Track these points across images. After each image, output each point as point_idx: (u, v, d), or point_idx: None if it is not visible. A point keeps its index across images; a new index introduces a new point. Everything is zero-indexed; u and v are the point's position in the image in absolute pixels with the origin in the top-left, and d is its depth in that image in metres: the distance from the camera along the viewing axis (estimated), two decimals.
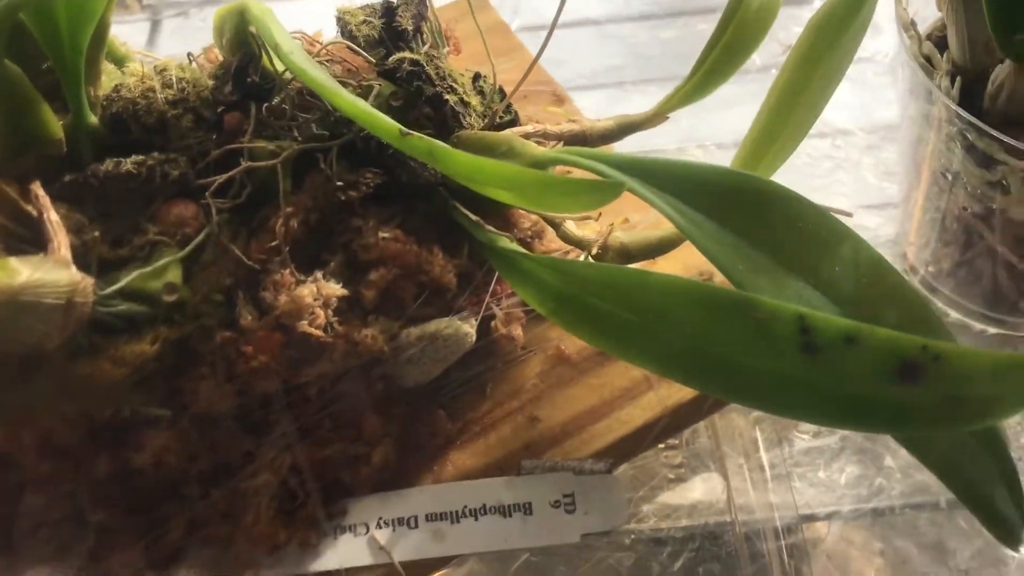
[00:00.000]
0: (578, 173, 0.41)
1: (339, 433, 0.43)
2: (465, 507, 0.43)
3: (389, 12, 0.45)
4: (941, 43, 0.46)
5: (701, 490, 0.48)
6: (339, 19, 0.45)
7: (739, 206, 0.39)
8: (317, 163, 0.43)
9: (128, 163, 0.39)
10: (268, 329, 0.41)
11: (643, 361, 0.39)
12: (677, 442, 0.50)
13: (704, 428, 0.50)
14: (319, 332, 0.41)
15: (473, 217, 0.44)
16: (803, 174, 0.59)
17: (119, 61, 0.43)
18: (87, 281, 0.36)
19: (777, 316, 0.33)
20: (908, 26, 0.44)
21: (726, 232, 0.39)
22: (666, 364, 0.38)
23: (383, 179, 0.44)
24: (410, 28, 0.45)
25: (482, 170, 0.35)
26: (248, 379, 0.41)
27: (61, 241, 0.37)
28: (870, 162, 0.59)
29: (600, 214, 0.44)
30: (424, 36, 0.46)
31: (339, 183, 0.43)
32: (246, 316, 0.41)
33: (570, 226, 0.45)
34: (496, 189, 0.36)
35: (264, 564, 0.42)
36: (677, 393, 0.46)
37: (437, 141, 0.35)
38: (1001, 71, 0.42)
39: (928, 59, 0.45)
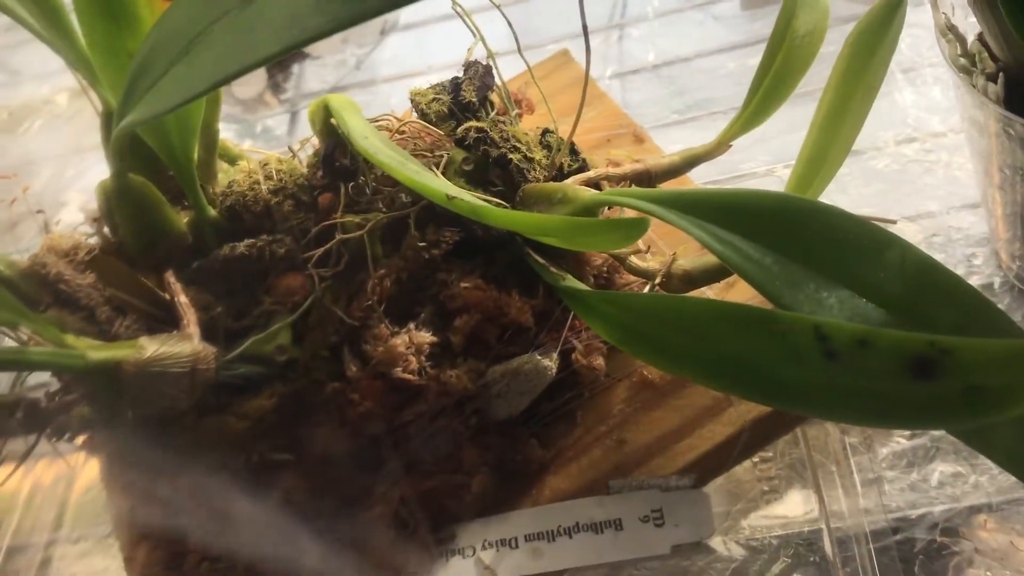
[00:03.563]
0: (629, 212, 0.45)
1: (441, 465, 0.48)
2: (560, 526, 0.47)
3: (455, 88, 0.51)
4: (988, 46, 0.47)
5: (796, 499, 0.49)
6: (412, 100, 0.51)
7: (776, 225, 0.41)
8: (405, 229, 0.49)
9: (242, 246, 0.47)
10: (371, 378, 0.47)
11: (697, 376, 0.42)
12: (771, 455, 0.51)
13: (796, 439, 0.51)
14: (412, 376, 0.46)
15: (541, 260, 0.48)
16: (893, 182, 0.60)
17: (232, 160, 0.51)
18: (208, 350, 0.43)
19: (794, 327, 0.36)
20: (945, 31, 0.45)
21: (764, 251, 0.41)
22: (714, 377, 0.41)
23: (461, 236, 0.49)
24: (475, 99, 0.50)
25: (515, 222, 0.40)
26: (357, 423, 0.47)
27: (190, 319, 0.44)
28: (961, 161, 0.59)
29: (649, 247, 0.47)
30: (491, 103, 0.51)
31: (423, 243, 0.48)
32: (351, 368, 0.47)
33: (634, 260, 0.48)
34: (539, 235, 0.41)
35: None
36: (756, 408, 0.48)
37: (479, 201, 0.40)
38: None
39: (972, 60, 0.46)
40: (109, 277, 0.44)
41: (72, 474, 0.63)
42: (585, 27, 0.44)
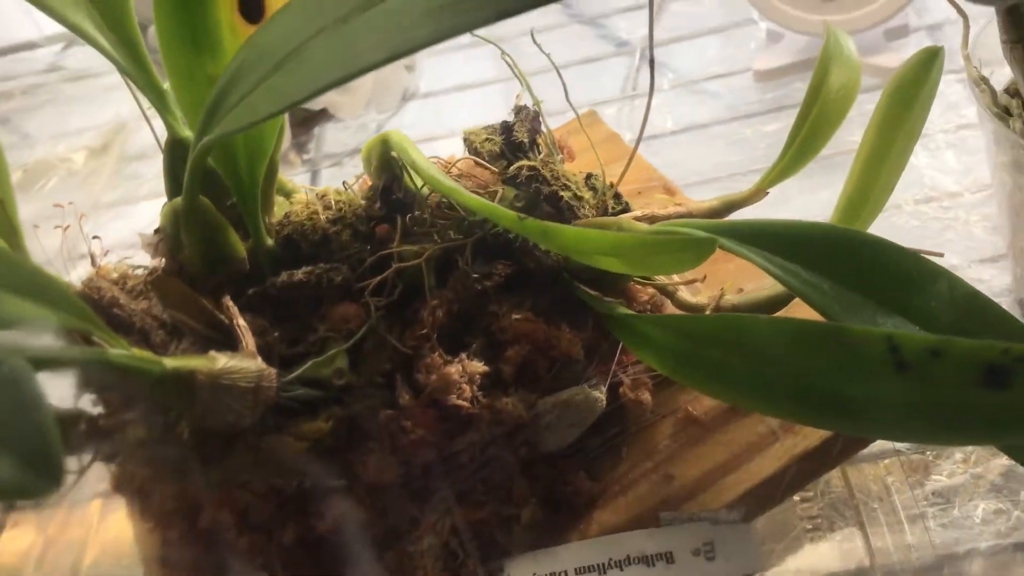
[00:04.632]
0: None
1: (491, 496, 0.48)
2: (610, 559, 0.47)
3: (507, 129, 0.52)
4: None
5: (839, 537, 0.50)
6: (465, 139, 0.53)
7: (834, 255, 0.43)
8: (456, 263, 0.50)
9: (299, 273, 0.47)
10: (423, 406, 0.47)
11: (755, 403, 0.43)
12: (812, 494, 0.52)
13: (837, 479, 0.52)
14: (466, 404, 0.46)
15: (593, 292, 0.49)
16: (914, 236, 0.62)
17: (287, 194, 0.52)
18: (271, 370, 0.43)
19: (866, 339, 0.37)
20: (978, 81, 0.48)
21: (822, 279, 0.42)
22: (775, 403, 0.42)
23: (512, 268, 0.50)
24: (526, 140, 0.52)
25: (589, 239, 0.41)
26: (409, 451, 0.47)
27: (249, 341, 0.44)
28: (977, 219, 0.61)
29: (705, 276, 0.48)
30: (539, 147, 0.53)
31: (475, 275, 0.49)
32: (404, 396, 0.47)
33: (684, 294, 0.50)
34: (604, 257, 0.42)
35: None
36: (803, 442, 0.49)
37: (549, 222, 0.41)
38: None
39: (1007, 109, 0.49)
40: (170, 297, 0.44)
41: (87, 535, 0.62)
42: (652, 71, 0.46)
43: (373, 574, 0.47)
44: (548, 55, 0.53)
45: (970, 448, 0.51)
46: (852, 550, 0.49)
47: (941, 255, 0.45)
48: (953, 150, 0.66)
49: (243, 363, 0.41)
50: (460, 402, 0.46)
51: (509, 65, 0.53)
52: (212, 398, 0.40)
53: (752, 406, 0.44)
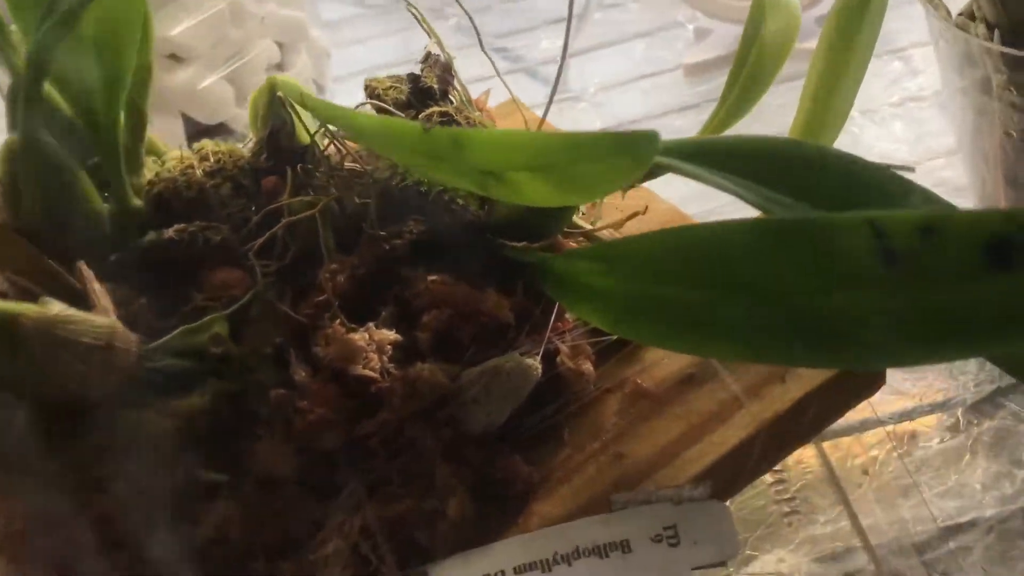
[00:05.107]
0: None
1: (409, 488, 0.40)
2: (556, 553, 0.39)
3: (414, 78, 0.46)
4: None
5: (822, 518, 0.42)
6: (367, 87, 0.46)
7: (792, 168, 0.37)
8: (361, 228, 0.43)
9: (170, 231, 0.40)
10: (323, 382, 0.39)
11: (722, 346, 0.36)
12: (785, 476, 0.45)
13: (812, 457, 0.45)
14: (374, 374, 0.39)
15: (520, 245, 0.42)
16: None
17: (160, 155, 0.45)
18: (130, 334, 0.35)
19: (844, 228, 0.31)
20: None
21: (781, 195, 0.37)
22: (746, 340, 0.35)
23: (426, 227, 0.43)
24: (436, 87, 0.46)
25: (507, 145, 0.34)
26: (307, 436, 0.39)
27: (104, 302, 0.36)
28: (935, 184, 0.57)
29: (647, 208, 0.42)
30: (451, 99, 0.47)
31: (382, 234, 0.42)
32: (300, 372, 0.40)
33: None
34: (525, 176, 0.35)
35: None
36: (771, 407, 0.42)
37: (458, 128, 0.35)
38: None
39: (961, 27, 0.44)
40: (7, 255, 0.37)
41: None
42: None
43: None
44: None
45: (959, 411, 0.45)
46: (839, 532, 0.41)
47: (912, 169, 0.39)
48: (901, 121, 0.62)
49: (88, 316, 0.34)
50: (367, 372, 0.39)
51: (416, 16, 0.48)
52: (47, 354, 0.32)
53: (717, 350, 0.37)
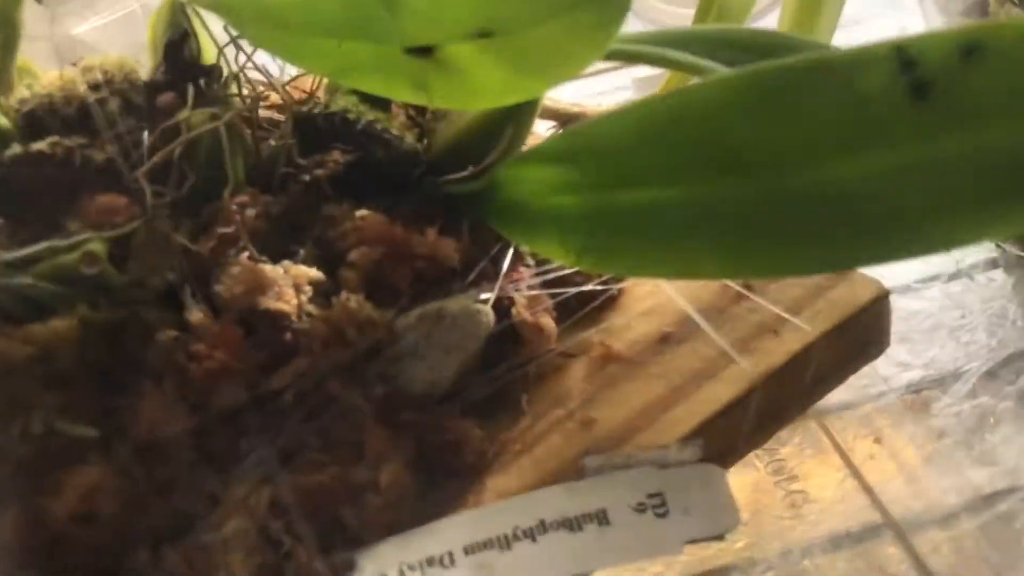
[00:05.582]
0: None
1: (333, 454, 0.32)
2: (516, 528, 0.31)
3: None
4: None
5: (831, 496, 0.35)
6: None
7: (761, 53, 0.32)
8: (276, 163, 0.37)
9: (42, 144, 0.33)
10: (227, 323, 0.32)
11: (711, 256, 0.30)
12: (787, 453, 0.38)
13: (817, 433, 0.38)
14: (288, 308, 0.32)
15: (467, 172, 0.36)
16: None
17: (36, 77, 0.38)
18: None
19: (864, 62, 0.25)
20: None
21: None
22: (740, 242, 0.29)
23: (354, 157, 0.37)
24: None
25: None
26: (204, 387, 0.31)
27: None
28: None
29: None
30: None
31: (301, 161, 0.36)
32: (196, 313, 0.32)
33: None
34: (475, 61, 0.29)
35: None
36: (765, 360, 0.36)
37: None
38: None
39: None
40: None
41: None
42: None
43: None
44: None
45: (973, 376, 0.39)
46: (852, 508, 0.34)
47: None
48: None
49: None
50: (279, 305, 0.32)
51: None
52: None
53: (699, 263, 0.30)
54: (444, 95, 0.32)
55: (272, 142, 0.38)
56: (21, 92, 0.36)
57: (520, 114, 0.34)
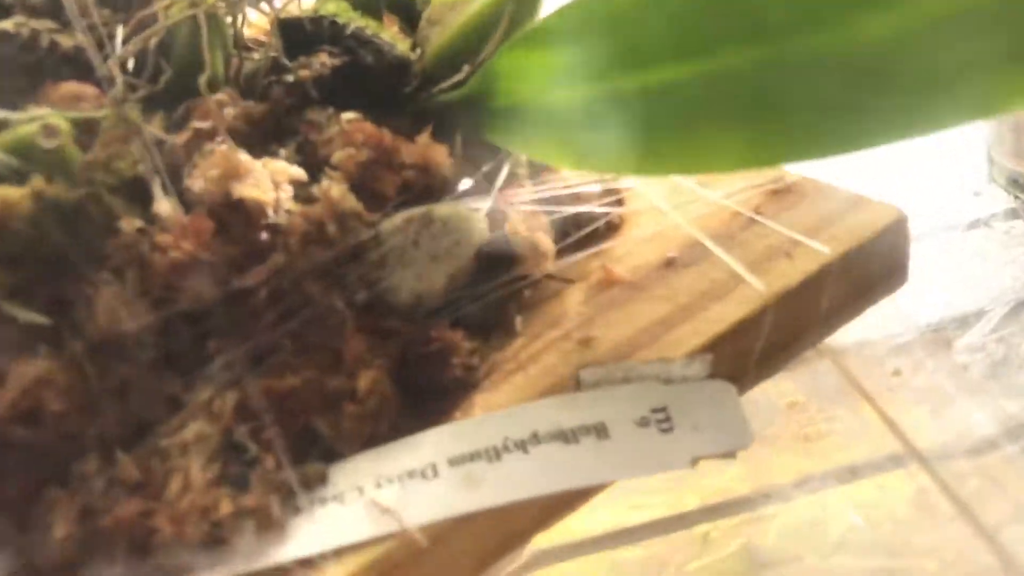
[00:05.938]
0: None
1: (307, 359, 0.29)
2: (507, 439, 0.28)
3: None
4: None
5: (841, 428, 0.33)
6: None
7: None
8: (258, 78, 0.35)
9: (7, 23, 0.31)
10: (196, 215, 0.29)
11: (728, 144, 0.28)
12: (801, 398, 0.35)
13: (832, 373, 0.36)
14: (264, 198, 0.29)
15: (456, 78, 0.34)
16: None
17: None
18: None
19: None
20: None
21: None
22: (761, 125, 0.27)
23: (343, 62, 0.34)
24: None
25: None
26: (168, 279, 0.28)
27: None
28: None
29: None
30: None
31: (285, 62, 0.34)
32: (164, 204, 0.30)
33: None
34: None
35: (201, 562, 0.26)
36: (778, 281, 0.33)
37: None
38: None
39: None
40: None
41: None
42: None
43: (94, 494, 0.27)
44: None
45: (995, 317, 0.36)
46: (874, 442, 0.32)
47: None
48: None
49: None
50: (256, 193, 0.29)
51: None
52: None
53: (722, 156, 0.28)
54: None
55: (256, 55, 0.36)
56: None
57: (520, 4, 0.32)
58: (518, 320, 0.33)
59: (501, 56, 0.31)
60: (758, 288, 0.33)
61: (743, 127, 0.27)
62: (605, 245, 0.35)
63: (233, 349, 0.29)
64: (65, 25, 0.32)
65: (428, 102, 0.35)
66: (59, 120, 0.28)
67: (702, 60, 0.27)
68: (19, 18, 0.31)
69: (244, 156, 0.30)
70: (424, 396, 0.30)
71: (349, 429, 0.29)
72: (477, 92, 0.33)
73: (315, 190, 0.30)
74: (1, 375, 0.27)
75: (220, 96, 0.32)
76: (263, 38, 0.38)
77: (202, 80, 0.31)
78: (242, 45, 0.35)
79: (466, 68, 0.33)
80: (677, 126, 0.28)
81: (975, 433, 0.31)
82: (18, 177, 0.27)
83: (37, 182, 0.27)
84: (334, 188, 0.29)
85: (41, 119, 0.28)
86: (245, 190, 0.29)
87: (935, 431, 0.32)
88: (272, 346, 0.29)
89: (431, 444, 0.28)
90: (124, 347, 0.28)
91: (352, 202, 0.30)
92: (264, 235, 0.30)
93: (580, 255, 0.36)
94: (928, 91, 0.24)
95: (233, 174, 0.29)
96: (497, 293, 0.33)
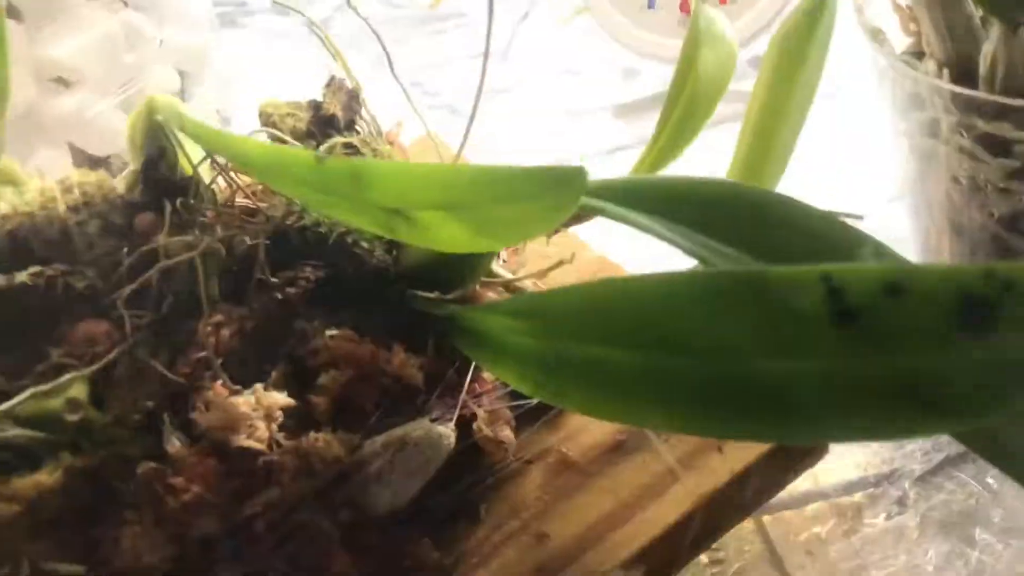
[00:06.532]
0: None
1: None
2: None
3: (316, 106, 0.42)
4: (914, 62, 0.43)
5: None
6: (262, 113, 0.41)
7: (732, 214, 0.34)
8: (250, 269, 0.38)
9: (24, 275, 0.34)
10: (201, 455, 0.34)
11: (653, 415, 0.32)
12: (723, 556, 0.41)
13: (753, 533, 0.41)
14: (260, 445, 0.34)
15: (432, 295, 0.38)
16: None
17: (19, 185, 0.39)
18: None
19: (796, 285, 0.27)
20: (876, 32, 0.41)
21: (719, 243, 0.33)
22: (682, 409, 0.31)
23: (326, 273, 0.38)
24: (339, 114, 0.41)
25: (413, 179, 0.30)
26: (181, 519, 0.33)
27: None
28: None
29: (573, 255, 0.38)
30: (358, 129, 0.43)
31: (274, 281, 0.37)
32: (173, 442, 0.34)
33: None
34: (435, 216, 0.31)
35: None
36: (709, 481, 0.38)
37: (358, 159, 0.30)
38: (989, 46, 0.37)
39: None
40: None
41: None
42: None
43: None
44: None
45: (907, 485, 0.41)
46: None
47: (861, 217, 0.36)
48: (834, 167, 0.60)
49: None
50: (251, 443, 0.34)
51: (320, 37, 0.43)
52: None
53: (649, 418, 0.33)
54: (411, 239, 0.34)
55: (247, 239, 0.39)
56: (6, 201, 0.37)
57: None
58: (483, 508, 0.38)
59: (465, 312, 0.35)
60: (690, 488, 0.38)
61: (668, 407, 0.31)
62: (562, 426, 0.40)
63: (237, 572, 0.34)
64: (75, 259, 0.36)
65: (402, 301, 0.39)
66: (79, 390, 0.32)
67: (633, 353, 0.31)
68: (35, 268, 0.34)
69: (239, 400, 0.34)
70: None
71: None
72: (449, 313, 0.37)
73: (304, 441, 0.34)
74: None
75: (217, 318, 0.36)
76: (249, 203, 0.41)
77: (200, 325, 0.34)
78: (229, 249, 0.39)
79: (436, 294, 0.37)
80: (612, 391, 0.32)
81: None
82: (46, 446, 0.32)
83: (66, 459, 0.31)
84: (320, 440, 0.34)
85: (65, 391, 0.32)
86: (242, 441, 0.33)
87: None
88: (269, 568, 0.34)
89: None
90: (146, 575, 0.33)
91: (336, 448, 0.34)
92: (261, 464, 0.34)
93: (540, 422, 0.41)
94: (809, 419, 0.29)
95: (230, 426, 0.34)
96: (464, 494, 0.38)
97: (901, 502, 0.40)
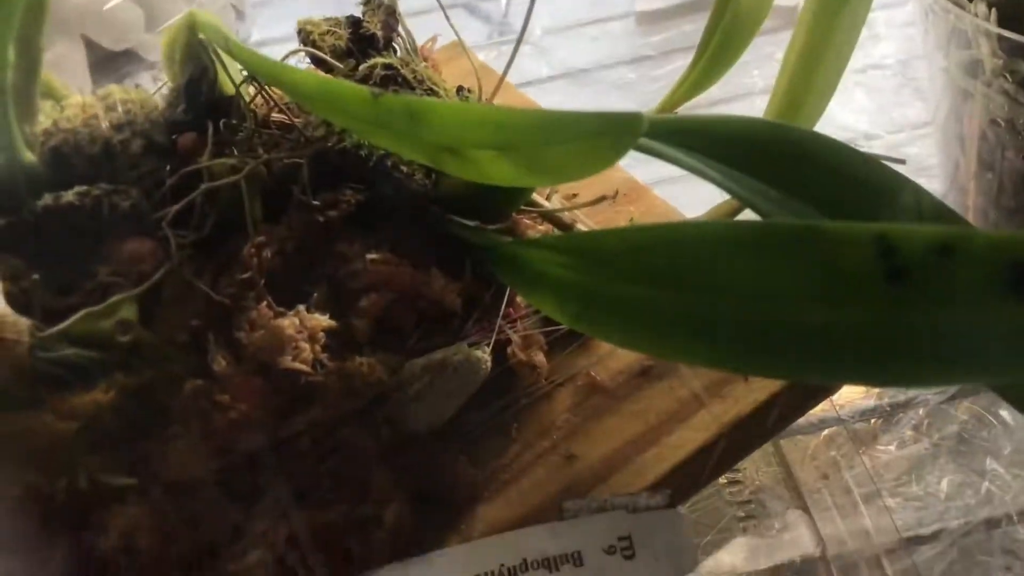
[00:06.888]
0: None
1: (342, 493, 0.36)
2: (502, 565, 0.36)
3: (355, 22, 0.41)
4: None
5: (778, 524, 0.40)
6: (301, 31, 0.41)
7: (780, 158, 0.34)
8: (290, 190, 0.39)
9: (70, 195, 0.34)
10: (246, 373, 0.35)
11: (693, 352, 0.33)
12: (741, 476, 0.42)
13: (770, 456, 0.43)
14: (305, 367, 0.35)
15: (471, 223, 0.38)
16: None
17: (59, 99, 0.39)
18: (21, 320, 0.30)
19: (849, 240, 0.27)
20: None
21: (768, 187, 0.33)
22: (721, 348, 0.32)
23: (366, 196, 0.38)
24: (379, 33, 0.40)
25: (470, 119, 0.30)
26: (227, 434, 0.34)
27: None
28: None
29: (617, 192, 0.38)
30: (395, 48, 0.42)
31: (316, 204, 0.38)
32: (219, 361, 0.35)
33: (585, 227, 0.39)
34: (487, 155, 0.31)
35: None
36: (734, 408, 0.39)
37: (413, 97, 0.30)
38: None
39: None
40: None
41: None
42: None
43: None
44: None
45: (922, 413, 0.43)
46: (796, 538, 0.39)
47: (903, 162, 0.36)
48: (862, 89, 0.59)
49: None
50: (297, 365, 0.35)
51: None
52: None
53: (686, 355, 0.33)
54: (459, 172, 0.34)
55: (286, 160, 0.39)
56: (46, 115, 0.37)
57: None
58: (514, 427, 0.40)
59: (507, 246, 0.35)
60: (716, 414, 0.39)
61: (704, 346, 0.32)
62: (593, 350, 0.41)
63: (281, 485, 0.35)
64: (118, 176, 0.36)
65: (441, 225, 0.39)
66: (130, 311, 0.33)
67: (675, 293, 0.31)
68: (81, 188, 0.35)
69: (284, 322, 0.35)
70: (437, 510, 0.37)
71: (377, 549, 0.36)
72: (489, 242, 0.37)
73: (347, 364, 0.35)
74: (104, 524, 0.33)
75: (259, 239, 0.37)
76: (286, 119, 0.41)
77: (247, 250, 0.35)
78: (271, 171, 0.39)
79: (477, 223, 0.37)
80: (650, 328, 0.33)
81: (886, 541, 0.38)
82: (99, 365, 0.33)
83: (119, 379, 0.32)
84: (364, 364, 0.35)
85: (116, 312, 0.33)
86: (288, 362, 0.34)
87: (849, 535, 0.39)
88: (313, 482, 0.36)
89: (442, 565, 0.36)
90: (194, 488, 0.35)
91: (378, 372, 0.35)
92: (304, 382, 0.35)
93: (572, 347, 0.42)
94: (847, 363, 0.30)
95: (277, 348, 0.34)
96: (498, 414, 0.39)
97: (916, 430, 0.42)
